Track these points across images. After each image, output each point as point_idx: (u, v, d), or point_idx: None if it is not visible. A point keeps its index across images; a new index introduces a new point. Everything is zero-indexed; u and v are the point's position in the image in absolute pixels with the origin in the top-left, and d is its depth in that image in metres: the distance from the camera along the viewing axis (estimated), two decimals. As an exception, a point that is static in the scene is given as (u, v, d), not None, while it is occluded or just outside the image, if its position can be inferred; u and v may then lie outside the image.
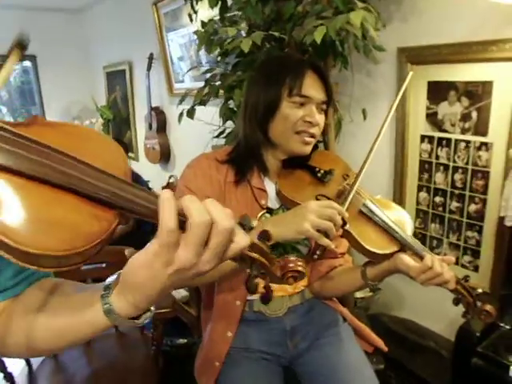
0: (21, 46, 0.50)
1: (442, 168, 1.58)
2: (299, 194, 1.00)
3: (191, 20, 1.60)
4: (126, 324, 0.50)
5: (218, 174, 1.05)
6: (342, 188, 1.02)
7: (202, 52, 1.74)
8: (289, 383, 1.14)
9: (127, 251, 1.45)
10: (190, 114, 1.77)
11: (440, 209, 1.62)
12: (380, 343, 1.20)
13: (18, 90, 4.46)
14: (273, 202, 1.09)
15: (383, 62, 1.66)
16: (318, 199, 1.00)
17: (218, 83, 1.61)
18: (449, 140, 1.54)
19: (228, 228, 0.44)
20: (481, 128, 1.43)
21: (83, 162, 0.43)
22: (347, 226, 0.94)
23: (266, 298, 0.56)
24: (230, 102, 1.60)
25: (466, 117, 1.48)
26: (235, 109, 1.59)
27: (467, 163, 1.50)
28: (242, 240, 0.47)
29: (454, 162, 1.54)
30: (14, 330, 0.55)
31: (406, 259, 0.97)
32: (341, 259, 1.17)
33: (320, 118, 1.03)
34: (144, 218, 0.45)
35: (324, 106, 1.05)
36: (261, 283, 0.55)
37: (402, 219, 1.02)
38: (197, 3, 1.61)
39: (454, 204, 1.57)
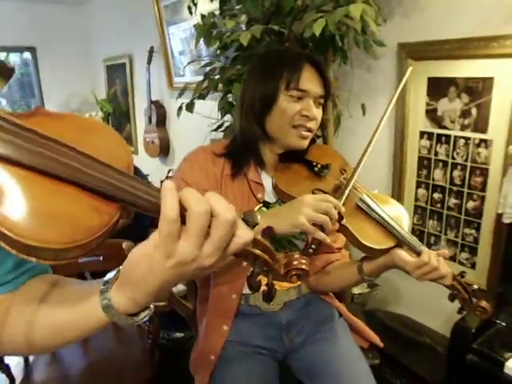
0: (4, 75, 0.49)
1: (440, 164, 1.58)
2: (296, 188, 1.00)
3: (190, 13, 1.59)
4: (124, 321, 0.49)
5: (214, 167, 1.05)
6: (338, 182, 1.02)
7: (203, 46, 1.73)
8: (284, 378, 1.14)
9: (125, 244, 1.44)
10: (189, 107, 1.76)
11: (438, 205, 1.62)
12: (375, 339, 1.20)
13: (18, 82, 4.44)
14: (269, 196, 1.08)
15: (383, 58, 1.65)
16: (314, 193, 0.99)
17: (217, 77, 1.60)
18: (448, 136, 1.54)
19: (229, 220, 0.43)
20: (480, 125, 1.43)
21: (85, 154, 0.42)
22: (344, 221, 0.94)
23: (269, 295, 0.55)
24: (229, 95, 1.59)
25: (465, 113, 1.47)
26: (234, 102, 1.58)
27: (466, 160, 1.50)
28: (245, 234, 0.46)
29: (453, 158, 1.54)
30: (12, 322, 0.54)
31: (403, 254, 0.97)
32: (338, 254, 1.17)
33: (317, 112, 1.02)
34: (145, 212, 0.44)
35: (321, 100, 1.04)
36: (263, 280, 0.54)
37: (399, 214, 1.02)
38: (196, -4, 1.60)
39: (453, 201, 1.57)
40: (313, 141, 1.10)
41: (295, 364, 1.14)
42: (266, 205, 1.07)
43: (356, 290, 1.73)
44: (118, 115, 3.75)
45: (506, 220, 1.31)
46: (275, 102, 1.01)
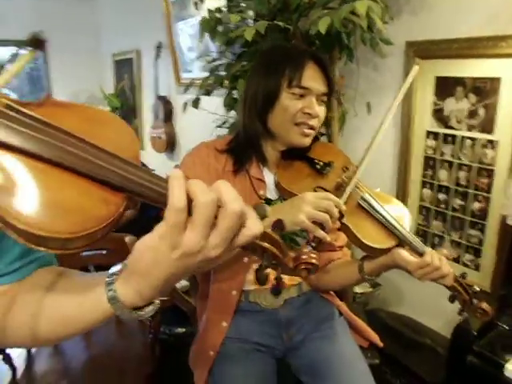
0: (36, 46, 0.50)
1: (446, 165, 1.57)
2: (297, 185, 0.99)
3: (196, 7, 1.59)
4: (128, 315, 0.48)
5: (216, 163, 1.05)
6: (340, 181, 1.01)
7: (211, 42, 1.72)
8: (283, 376, 1.14)
9: (127, 238, 1.45)
10: (195, 103, 1.77)
11: (443, 206, 1.61)
12: (375, 338, 1.20)
13: (28, 76, 4.47)
14: (271, 193, 1.08)
15: (390, 56, 1.64)
16: (316, 191, 0.99)
17: (222, 73, 1.60)
18: (454, 137, 1.52)
19: (237, 211, 0.42)
20: (487, 125, 1.41)
21: (95, 146, 0.42)
22: (344, 219, 0.93)
23: (277, 289, 0.55)
24: (234, 91, 1.59)
25: (472, 113, 1.45)
26: (239, 99, 1.58)
27: (472, 161, 1.48)
28: (254, 226, 0.45)
29: (459, 159, 1.52)
30: (17, 312, 0.54)
31: (404, 254, 0.96)
32: (339, 252, 1.17)
33: (320, 110, 1.02)
34: (152, 203, 0.44)
35: (324, 98, 1.04)
36: (272, 274, 0.53)
37: (400, 214, 1.01)
38: (203, -9, 1.60)
39: (458, 202, 1.56)
40: (316, 138, 1.10)
41: (294, 362, 1.14)
42: (268, 201, 1.07)
43: (358, 290, 1.72)
44: (126, 110, 3.77)
45: (510, 222, 1.30)
46: (277, 99, 1.01)
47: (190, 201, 0.41)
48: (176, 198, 0.40)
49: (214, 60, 1.67)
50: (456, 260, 1.59)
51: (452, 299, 0.98)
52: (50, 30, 3.75)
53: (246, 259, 1.07)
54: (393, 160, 1.74)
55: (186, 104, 1.76)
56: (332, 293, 1.23)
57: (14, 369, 1.35)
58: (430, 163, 1.62)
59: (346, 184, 0.99)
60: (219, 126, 1.72)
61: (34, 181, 0.40)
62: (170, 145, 3.16)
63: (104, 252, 1.49)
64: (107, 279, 0.48)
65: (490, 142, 1.41)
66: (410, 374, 1.39)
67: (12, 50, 4.28)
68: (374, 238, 0.96)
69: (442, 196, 1.60)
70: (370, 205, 0.98)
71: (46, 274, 0.59)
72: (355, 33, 1.47)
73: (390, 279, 1.74)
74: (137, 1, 3.30)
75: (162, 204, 0.42)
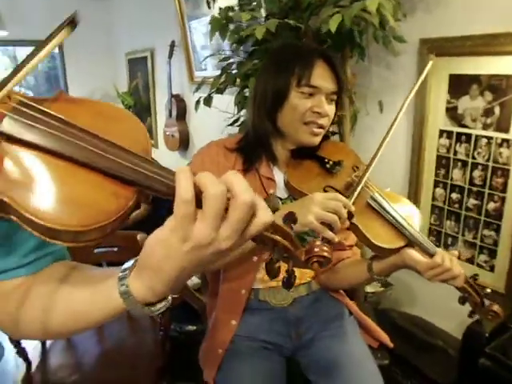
0: (73, 23, 0.51)
1: (459, 164, 1.54)
2: (307, 184, 0.99)
3: (209, 6, 1.59)
4: (140, 310, 0.48)
5: (226, 162, 1.05)
6: (350, 180, 1.01)
7: (224, 40, 1.73)
8: (291, 374, 1.14)
9: (139, 236, 1.47)
10: (207, 101, 1.77)
11: (456, 206, 1.58)
12: (385, 339, 1.19)
13: (45, 75, 4.55)
14: (281, 192, 1.08)
15: (404, 54, 1.62)
16: (325, 191, 0.99)
17: (234, 71, 1.60)
18: (468, 135, 1.49)
19: (248, 202, 0.41)
20: (503, 124, 1.38)
21: (107, 141, 0.43)
22: (354, 219, 0.93)
23: (289, 282, 0.53)
24: (246, 90, 1.59)
25: (488, 112, 1.43)
26: (249, 97, 1.58)
27: (488, 160, 1.46)
28: (264, 216, 0.44)
29: (474, 158, 1.50)
30: (30, 303, 0.54)
31: (414, 254, 0.95)
32: (348, 252, 1.16)
33: (329, 109, 1.01)
34: (163, 196, 0.44)
35: (334, 97, 1.03)
36: (283, 267, 0.52)
37: (410, 214, 1.00)
38: (215, -11, 1.60)
39: (472, 201, 1.53)
40: (326, 137, 1.09)
41: (303, 360, 1.14)
42: (277, 201, 1.07)
43: (369, 289, 1.71)
44: (139, 108, 3.80)
45: (526, 222, 1.27)
46: (286, 98, 1.00)
47: (199, 193, 0.41)
48: (183, 190, 0.40)
49: (225, 58, 1.67)
50: (470, 261, 1.57)
51: (462, 301, 0.97)
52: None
53: (255, 258, 1.07)
54: (405, 159, 1.72)
55: (198, 102, 1.77)
56: (342, 292, 1.23)
57: (28, 362, 1.38)
58: (442, 162, 1.59)
59: (356, 183, 0.98)
60: (230, 125, 1.72)
61: (49, 176, 0.41)
62: (183, 143, 3.18)
63: (116, 249, 1.51)
64: (120, 274, 0.48)
65: (506, 140, 1.38)
66: (421, 375, 1.37)
67: (28, 49, 4.35)
68: (384, 237, 0.95)
69: (455, 196, 1.58)
70: (379, 204, 0.98)
71: (60, 267, 0.60)
72: (367, 31, 1.46)
73: (401, 279, 1.73)
74: (151, 0, 3.32)
75: (172, 197, 0.42)
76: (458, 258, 0.95)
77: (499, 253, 1.48)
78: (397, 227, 0.96)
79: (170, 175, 0.43)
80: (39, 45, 0.48)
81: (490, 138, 1.44)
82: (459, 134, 1.52)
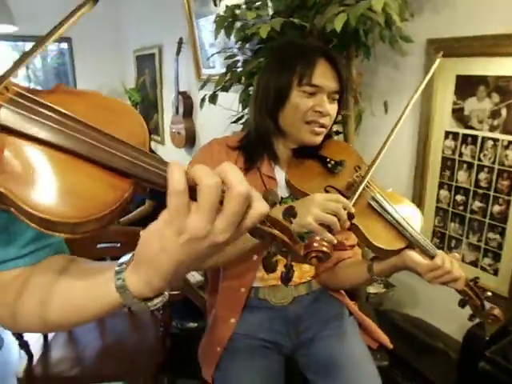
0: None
1: (465, 166, 1.53)
2: (308, 184, 0.99)
3: (215, 4, 1.59)
4: (137, 305, 0.48)
5: (227, 160, 1.04)
6: (352, 180, 1.00)
7: (232, 39, 1.72)
8: (290, 373, 1.14)
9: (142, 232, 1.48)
10: (213, 99, 1.77)
11: (461, 208, 1.57)
12: (385, 340, 1.19)
13: (54, 71, 4.59)
14: (282, 191, 1.08)
15: (411, 54, 1.61)
16: (326, 191, 0.98)
17: (239, 69, 1.60)
18: (474, 137, 1.48)
19: (243, 193, 0.41)
20: (510, 126, 1.37)
21: (104, 132, 0.43)
22: (354, 220, 0.92)
23: (287, 277, 0.52)
24: (251, 88, 1.59)
25: (495, 114, 1.41)
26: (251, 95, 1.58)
27: (494, 162, 1.44)
28: (260, 206, 0.43)
29: (480, 160, 1.48)
30: (30, 294, 0.54)
31: (415, 256, 0.95)
32: (349, 252, 1.16)
33: (331, 108, 1.01)
34: (159, 189, 0.44)
35: (336, 96, 1.02)
36: (281, 262, 0.52)
37: (411, 215, 1.00)
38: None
39: (477, 204, 1.52)
40: (328, 136, 1.08)
41: (302, 360, 1.14)
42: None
43: (372, 290, 1.71)
44: (147, 105, 3.81)
45: (530, 226, 1.26)
46: (288, 96, 1.00)
47: (194, 186, 0.41)
48: (175, 181, 0.40)
49: (230, 56, 1.67)
50: (474, 264, 1.55)
51: (462, 304, 0.96)
52: (77, 26, 3.84)
53: (255, 257, 1.07)
54: (410, 160, 1.70)
55: (203, 100, 1.77)
56: (342, 292, 1.23)
57: (30, 355, 1.40)
58: (447, 164, 1.58)
59: (357, 184, 0.98)
60: (234, 122, 1.72)
61: (45, 167, 0.41)
62: (189, 140, 3.18)
63: (119, 245, 1.52)
64: (117, 268, 0.48)
65: (512, 143, 1.37)
66: (421, 377, 1.36)
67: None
68: (384, 239, 0.95)
69: (459, 198, 1.57)
70: (380, 205, 0.97)
71: (59, 259, 0.61)
72: (374, 30, 1.45)
73: (404, 281, 1.72)
74: (159, -3, 3.33)
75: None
76: (462, 260, 0.94)
77: (503, 256, 1.46)
78: (397, 228, 0.95)
79: (166, 167, 0.43)
80: (62, 21, 0.48)
81: (496, 140, 1.42)
82: (465, 136, 1.51)
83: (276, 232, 0.49)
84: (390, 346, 1.17)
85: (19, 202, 0.39)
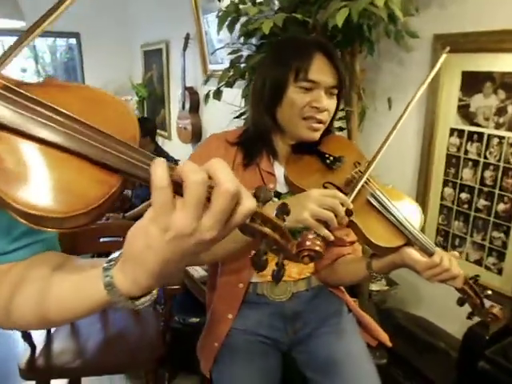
0: None
1: (470, 164, 1.51)
2: (306, 180, 0.98)
3: (219, 0, 1.59)
4: (123, 303, 0.47)
5: (226, 155, 1.05)
6: (350, 176, 0.99)
7: (231, 34, 1.72)
8: (289, 370, 1.14)
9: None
10: (217, 95, 1.77)
11: (465, 206, 1.55)
12: (384, 338, 1.18)
13: (64, 66, 4.63)
14: (281, 187, 1.07)
15: (416, 50, 1.59)
16: (325, 187, 0.98)
17: (243, 65, 1.60)
18: (480, 134, 1.46)
19: (231, 190, 0.40)
20: (516, 123, 1.35)
21: (92, 127, 0.43)
22: (352, 216, 0.91)
23: (278, 275, 0.51)
24: (254, 84, 1.58)
25: (501, 111, 1.39)
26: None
27: (499, 160, 1.42)
28: (248, 203, 0.43)
29: (485, 158, 1.46)
30: (27, 284, 0.55)
31: (413, 253, 0.94)
32: (349, 248, 1.15)
33: (329, 104, 0.99)
34: (146, 184, 0.43)
35: (334, 91, 1.00)
36: (273, 260, 0.51)
37: (411, 212, 0.98)
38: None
39: (482, 202, 1.50)
40: (328, 131, 1.07)
41: (300, 357, 1.13)
42: (278, 195, 1.06)
43: (374, 287, 1.70)
44: (154, 100, 3.82)
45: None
46: (285, 92, 0.99)
47: (181, 182, 0.41)
48: (158, 177, 0.39)
49: (234, 51, 1.66)
50: (478, 262, 1.54)
51: (461, 302, 0.95)
52: (86, 20, 3.87)
53: (253, 253, 1.07)
54: (414, 157, 1.69)
55: (207, 95, 1.77)
56: (342, 289, 1.22)
57: (33, 347, 1.42)
58: (452, 161, 1.56)
59: (357, 180, 0.97)
60: (237, 117, 1.72)
61: (31, 162, 0.41)
62: (195, 136, 3.19)
63: (121, 239, 1.53)
64: (105, 264, 0.47)
65: (519, 140, 1.35)
66: (422, 376, 1.35)
67: (47, 40, 4.43)
68: (382, 236, 0.94)
69: (464, 196, 1.55)
70: (379, 202, 0.96)
71: (55, 255, 0.61)
72: (379, 25, 1.43)
73: (408, 279, 1.70)
74: (167, -8, 3.33)
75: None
76: (466, 259, 0.93)
77: (508, 255, 1.44)
78: (396, 225, 0.94)
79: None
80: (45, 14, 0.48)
81: (501, 138, 1.40)
82: (471, 133, 1.49)
83: (266, 230, 0.48)
84: (389, 344, 1.17)
85: (4, 197, 0.39)
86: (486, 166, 1.46)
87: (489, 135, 1.44)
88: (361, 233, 0.94)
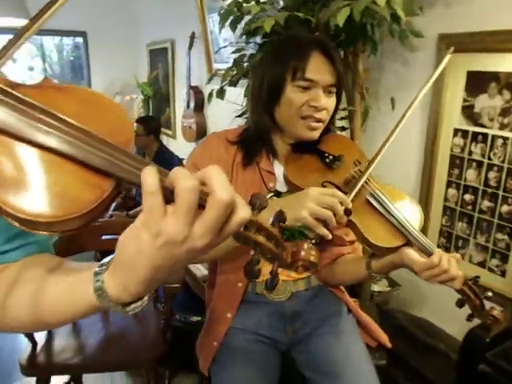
0: None
1: (474, 164, 1.49)
2: (305, 179, 0.97)
3: (223, -1, 1.59)
4: (114, 309, 0.46)
5: (226, 154, 1.05)
6: (349, 176, 0.99)
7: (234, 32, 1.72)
8: (288, 370, 1.14)
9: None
10: (220, 94, 1.77)
11: (469, 207, 1.54)
12: (384, 338, 1.17)
13: (70, 64, 4.66)
14: (281, 186, 1.07)
15: (421, 50, 1.58)
16: (324, 186, 0.97)
17: (246, 64, 1.59)
18: (485, 135, 1.45)
19: (225, 200, 0.39)
20: (521, 124, 1.34)
21: (85, 130, 0.42)
22: (351, 216, 0.91)
23: (272, 285, 0.50)
24: (256, 83, 1.58)
25: (506, 111, 1.38)
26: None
27: (503, 161, 1.41)
28: (242, 212, 0.42)
29: (490, 159, 1.45)
30: (23, 284, 0.55)
31: (412, 254, 0.93)
32: (349, 247, 1.14)
33: (327, 102, 0.98)
34: (139, 189, 0.43)
35: (333, 89, 0.99)
36: (267, 268, 0.50)
37: (410, 212, 0.97)
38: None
39: (486, 203, 1.49)
40: (328, 130, 1.07)
41: (299, 356, 1.13)
42: (277, 194, 1.06)
43: (377, 288, 1.69)
44: (159, 99, 3.83)
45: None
46: (282, 92, 0.98)
47: (172, 188, 0.40)
48: (148, 182, 0.39)
49: (237, 50, 1.66)
50: (482, 264, 1.52)
51: (460, 303, 0.94)
52: (92, 19, 3.89)
53: (252, 252, 1.06)
54: (418, 157, 1.68)
55: (210, 94, 1.77)
56: (342, 289, 1.21)
57: (34, 343, 1.42)
58: (456, 162, 1.55)
59: (356, 179, 0.96)
60: (239, 116, 1.72)
61: (24, 165, 0.40)
62: (200, 135, 3.19)
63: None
64: (97, 269, 0.47)
65: (523, 142, 1.34)
66: (422, 378, 1.34)
67: (55, 38, 4.46)
68: (381, 236, 0.93)
69: (468, 197, 1.54)
70: (378, 202, 0.95)
71: (49, 257, 0.61)
72: (383, 25, 1.42)
73: (410, 280, 1.69)
74: (173, -9, 3.34)
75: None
76: (469, 261, 0.92)
77: (511, 257, 1.43)
78: (395, 225, 0.93)
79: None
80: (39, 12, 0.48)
81: (506, 139, 1.39)
82: (475, 134, 1.47)
83: (260, 238, 0.47)
84: (389, 345, 1.16)
85: None
86: (490, 167, 1.45)
87: (493, 136, 1.43)
88: (359, 233, 0.93)
